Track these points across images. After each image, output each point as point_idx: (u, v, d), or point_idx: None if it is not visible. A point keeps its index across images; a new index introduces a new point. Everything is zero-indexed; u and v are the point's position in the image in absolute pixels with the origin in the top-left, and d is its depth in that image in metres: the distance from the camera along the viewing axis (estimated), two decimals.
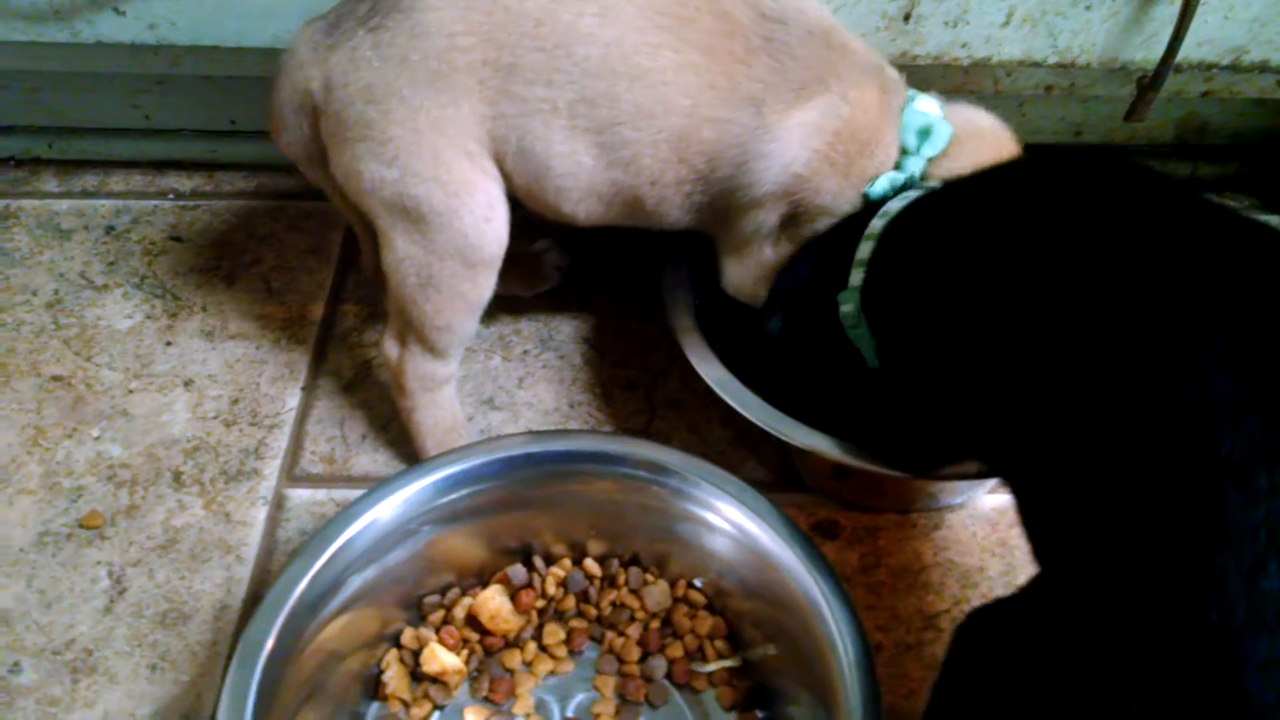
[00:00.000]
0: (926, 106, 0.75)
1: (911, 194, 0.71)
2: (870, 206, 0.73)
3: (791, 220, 0.76)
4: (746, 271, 0.80)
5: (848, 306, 0.73)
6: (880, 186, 0.74)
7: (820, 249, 0.75)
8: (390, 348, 0.79)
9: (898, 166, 0.75)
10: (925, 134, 0.74)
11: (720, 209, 0.77)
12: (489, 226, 0.73)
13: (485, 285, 0.76)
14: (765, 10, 0.71)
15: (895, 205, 0.71)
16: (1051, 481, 0.53)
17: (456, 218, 0.71)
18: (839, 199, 0.74)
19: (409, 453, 0.84)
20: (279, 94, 0.73)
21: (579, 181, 0.74)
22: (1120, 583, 0.46)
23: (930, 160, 0.75)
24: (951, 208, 0.68)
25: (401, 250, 0.73)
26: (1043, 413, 0.54)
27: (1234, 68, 0.91)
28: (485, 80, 0.69)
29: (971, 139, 0.76)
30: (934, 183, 0.73)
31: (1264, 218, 1.06)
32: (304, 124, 0.73)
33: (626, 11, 0.69)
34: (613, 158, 0.73)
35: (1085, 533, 0.49)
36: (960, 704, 0.53)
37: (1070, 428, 0.51)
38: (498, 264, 0.75)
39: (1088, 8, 0.86)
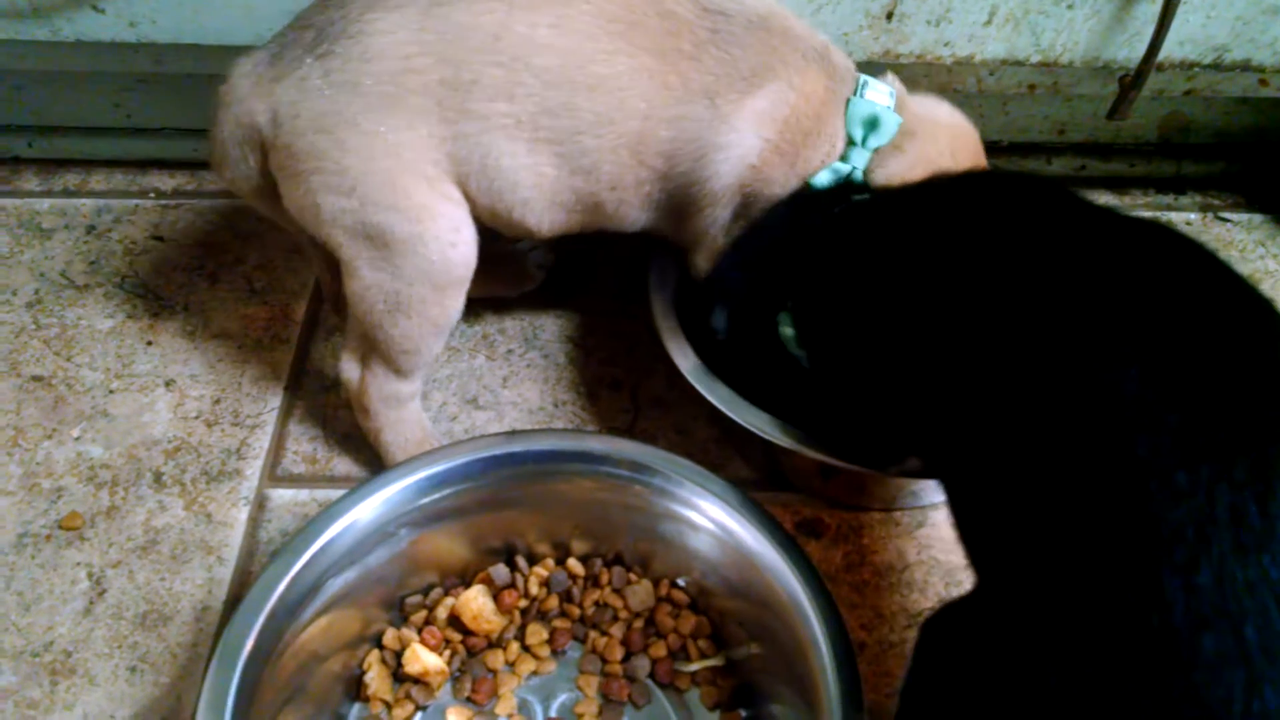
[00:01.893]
0: (877, 96, 0.75)
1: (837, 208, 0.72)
2: (811, 203, 0.73)
3: (745, 212, 0.76)
4: (710, 267, 0.80)
5: (788, 330, 0.73)
6: (823, 178, 0.74)
7: (763, 257, 0.75)
8: (350, 369, 0.78)
9: (843, 158, 0.75)
10: (872, 124, 0.74)
11: (677, 206, 0.77)
12: (454, 251, 0.72)
13: (454, 307, 0.75)
14: (706, 4, 0.71)
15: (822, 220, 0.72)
16: (983, 488, 0.54)
17: (421, 244, 0.70)
18: (785, 188, 0.74)
19: None
20: (220, 129, 0.71)
21: (542, 194, 0.73)
22: (1061, 592, 0.46)
23: (876, 151, 0.75)
24: (869, 225, 0.68)
25: (368, 278, 0.72)
26: (968, 422, 0.55)
27: (1216, 66, 0.92)
28: (443, 100, 0.68)
29: (923, 131, 0.76)
30: (860, 195, 0.73)
31: (1248, 216, 1.07)
32: (251, 159, 0.71)
33: (580, 20, 0.69)
34: (573, 166, 0.72)
35: (1018, 539, 0.50)
36: (926, 708, 0.53)
37: (996, 437, 0.52)
38: (466, 284, 0.74)
39: (1070, 6, 0.86)
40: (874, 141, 0.74)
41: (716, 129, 0.72)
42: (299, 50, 0.68)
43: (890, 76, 0.78)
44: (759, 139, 0.72)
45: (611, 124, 0.71)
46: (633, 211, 0.77)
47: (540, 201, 0.74)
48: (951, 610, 0.53)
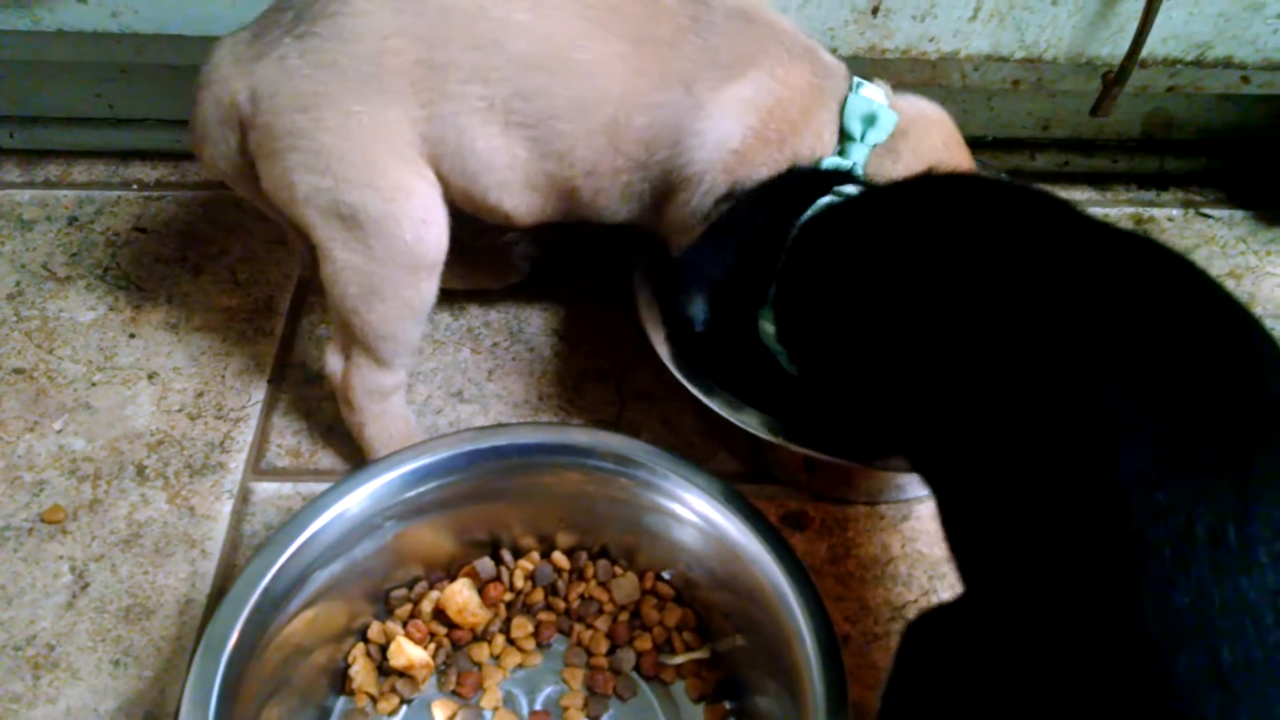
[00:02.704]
0: (872, 94, 0.76)
1: (822, 202, 0.71)
2: (788, 187, 0.73)
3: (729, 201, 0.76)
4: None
5: (768, 326, 0.73)
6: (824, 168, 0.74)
7: (743, 247, 0.74)
8: (334, 362, 0.78)
9: (841, 153, 0.75)
10: (870, 121, 0.75)
11: (657, 196, 0.77)
12: (427, 230, 0.72)
13: (428, 290, 0.75)
14: None
15: (807, 214, 0.71)
16: (967, 497, 0.54)
17: (394, 223, 0.70)
18: (770, 172, 0.74)
19: None
20: (201, 109, 0.71)
21: (514, 175, 0.73)
22: (1041, 605, 0.46)
23: (874, 148, 0.75)
24: (858, 226, 0.68)
25: (341, 260, 0.72)
26: (950, 430, 0.55)
27: (1198, 63, 0.92)
28: (419, 81, 0.68)
29: (917, 127, 0.77)
30: (848, 189, 0.73)
31: (1229, 212, 1.08)
32: (230, 138, 0.72)
33: (556, 5, 0.69)
34: (546, 150, 0.72)
35: (1000, 549, 0.50)
36: (904, 713, 0.54)
37: (979, 446, 0.52)
38: (439, 268, 0.74)
39: (1054, 3, 0.87)
40: (872, 137, 0.75)
41: (693, 116, 0.72)
42: (278, 31, 0.69)
43: (880, 82, 0.78)
44: (740, 125, 0.73)
45: (585, 109, 0.71)
46: (612, 202, 0.77)
47: (514, 184, 0.74)
48: (934, 616, 0.54)
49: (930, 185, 0.68)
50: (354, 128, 0.68)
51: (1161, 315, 0.50)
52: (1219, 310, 0.51)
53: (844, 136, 0.75)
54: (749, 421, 0.75)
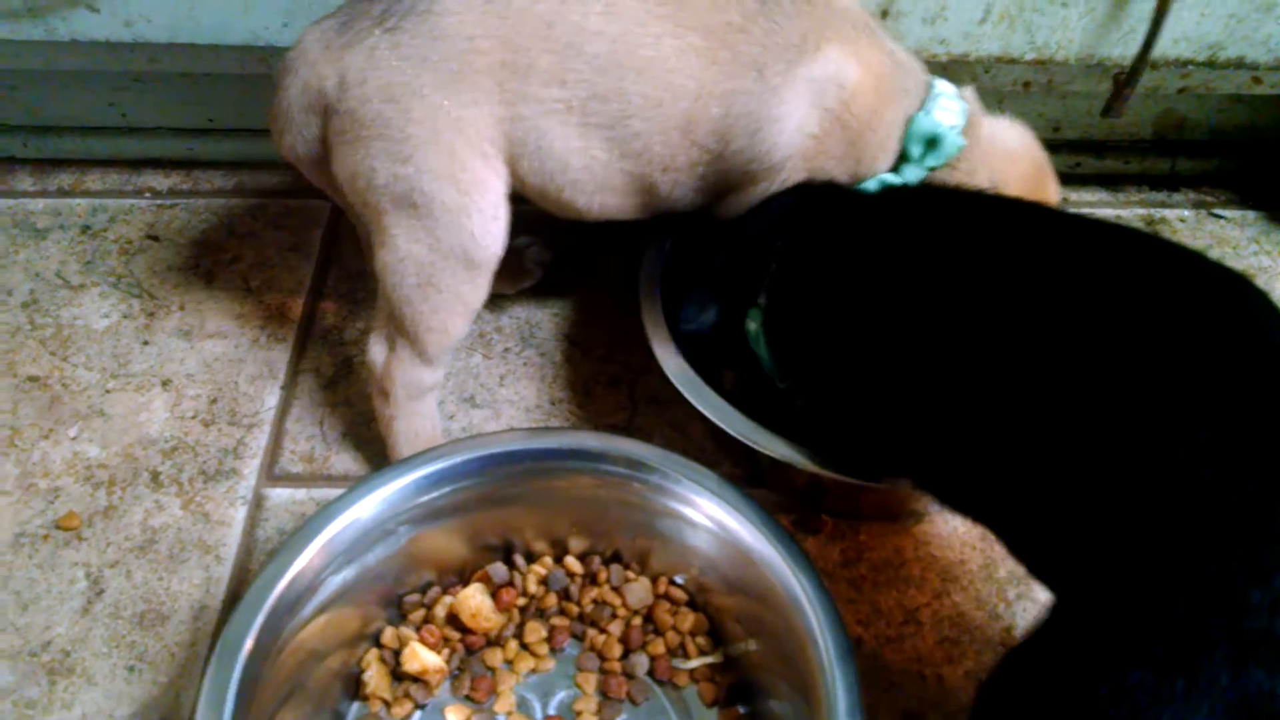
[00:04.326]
0: (945, 115, 0.74)
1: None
2: (798, 211, 0.73)
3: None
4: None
5: (752, 325, 0.73)
6: (870, 186, 0.74)
7: (742, 257, 0.75)
8: (376, 351, 0.78)
9: (896, 170, 0.75)
10: (933, 143, 0.74)
11: (732, 183, 0.77)
12: (495, 225, 0.73)
13: (482, 288, 0.76)
14: None
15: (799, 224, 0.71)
16: (1016, 510, 0.55)
17: (466, 215, 0.71)
18: (840, 169, 0.74)
19: None
20: (286, 93, 0.72)
21: (593, 176, 0.74)
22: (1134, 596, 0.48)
23: (932, 170, 0.75)
24: (844, 237, 0.68)
25: (403, 249, 0.72)
26: (979, 445, 0.56)
27: (1210, 64, 0.92)
28: (504, 83, 0.70)
29: (964, 163, 0.76)
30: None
31: (1241, 212, 1.07)
32: (313, 123, 0.73)
33: (628, 5, 0.70)
34: (624, 150, 0.73)
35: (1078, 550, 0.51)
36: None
37: (1025, 456, 0.54)
38: (495, 266, 0.75)
39: (1064, 4, 0.87)
40: (931, 161, 0.75)
41: (767, 102, 0.72)
42: (367, 21, 0.70)
43: (970, 92, 0.77)
44: (817, 109, 0.72)
45: (660, 106, 0.71)
46: (688, 193, 0.77)
47: (590, 184, 0.75)
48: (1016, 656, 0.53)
49: (917, 198, 0.69)
50: (440, 121, 0.70)
51: (1173, 298, 0.52)
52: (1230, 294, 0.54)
53: (902, 153, 0.75)
54: (756, 439, 0.74)
